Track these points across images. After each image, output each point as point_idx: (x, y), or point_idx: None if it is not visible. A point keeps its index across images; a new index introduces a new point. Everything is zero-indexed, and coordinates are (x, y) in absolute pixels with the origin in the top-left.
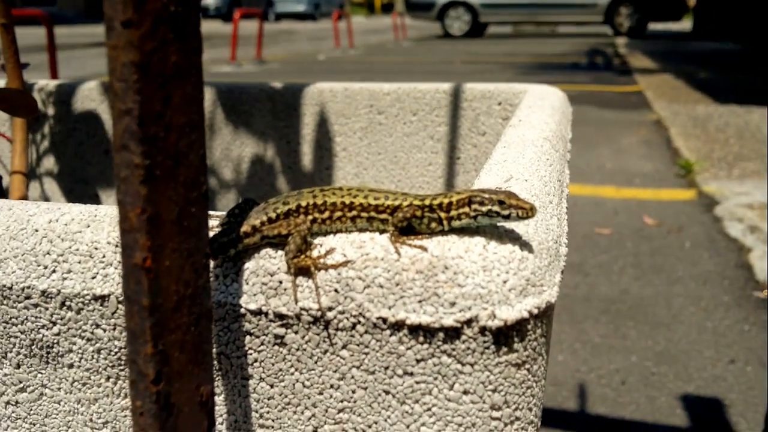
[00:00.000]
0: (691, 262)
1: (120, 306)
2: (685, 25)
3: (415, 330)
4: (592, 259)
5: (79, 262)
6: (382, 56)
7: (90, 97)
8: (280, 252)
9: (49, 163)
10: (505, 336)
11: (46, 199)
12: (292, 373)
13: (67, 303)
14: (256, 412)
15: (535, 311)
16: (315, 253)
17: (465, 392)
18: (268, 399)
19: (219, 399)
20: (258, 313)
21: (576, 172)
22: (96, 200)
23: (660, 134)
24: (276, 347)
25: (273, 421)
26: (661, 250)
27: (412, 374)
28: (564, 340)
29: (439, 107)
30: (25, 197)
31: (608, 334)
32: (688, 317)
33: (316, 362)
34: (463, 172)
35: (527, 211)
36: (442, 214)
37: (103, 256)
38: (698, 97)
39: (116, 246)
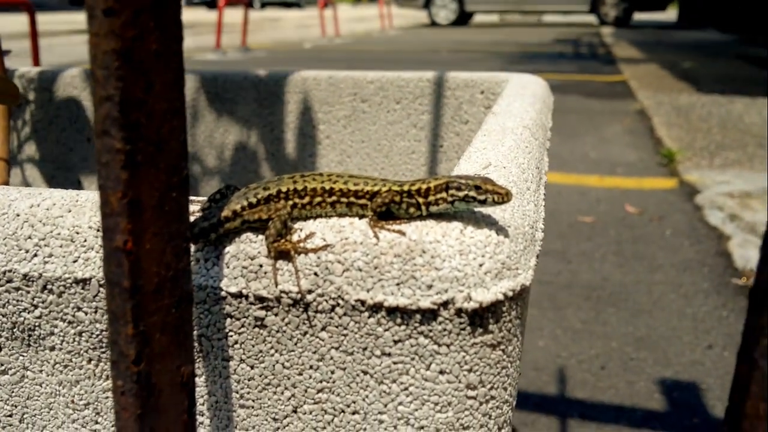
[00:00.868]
0: (672, 250)
1: (101, 289)
2: (671, 15)
3: (393, 312)
4: (575, 246)
5: (61, 246)
6: (369, 45)
7: (72, 84)
8: (260, 236)
9: (31, 149)
10: (480, 317)
11: (28, 185)
12: (272, 355)
13: (49, 286)
14: (237, 392)
15: (510, 294)
16: (295, 238)
17: (441, 372)
18: (249, 380)
19: (200, 380)
20: (238, 295)
21: (560, 161)
22: (78, 187)
23: (644, 124)
24: (256, 329)
25: (253, 401)
26: (642, 238)
27: (389, 355)
28: (545, 326)
29: (422, 96)
30: (6, 183)
31: (589, 320)
32: (668, 304)
33: (295, 344)
34: (445, 160)
35: (503, 196)
36: (420, 200)
37: (85, 240)
38: (682, 87)
39: (97, 230)
